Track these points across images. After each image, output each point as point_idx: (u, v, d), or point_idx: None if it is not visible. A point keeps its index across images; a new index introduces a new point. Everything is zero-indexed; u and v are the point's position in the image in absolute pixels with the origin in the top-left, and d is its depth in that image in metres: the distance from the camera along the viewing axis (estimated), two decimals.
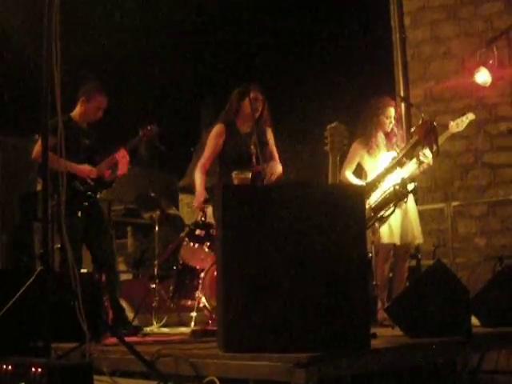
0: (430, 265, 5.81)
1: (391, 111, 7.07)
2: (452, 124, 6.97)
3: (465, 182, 9.12)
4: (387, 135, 7.09)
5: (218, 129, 6.60)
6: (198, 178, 6.61)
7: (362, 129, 7.10)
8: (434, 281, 4.94)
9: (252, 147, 6.39)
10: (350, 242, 4.09)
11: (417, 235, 7.02)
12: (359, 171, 7.15)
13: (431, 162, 6.78)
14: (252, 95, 6.50)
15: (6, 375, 3.22)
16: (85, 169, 6.46)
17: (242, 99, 6.54)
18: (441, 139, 6.87)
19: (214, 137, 6.59)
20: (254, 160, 6.32)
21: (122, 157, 6.66)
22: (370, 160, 7.00)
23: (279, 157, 6.75)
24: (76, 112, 6.68)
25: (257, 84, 6.64)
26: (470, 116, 7.03)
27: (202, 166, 6.61)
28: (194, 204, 6.65)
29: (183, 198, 17.32)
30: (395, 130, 7.17)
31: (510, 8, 8.88)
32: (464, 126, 7.00)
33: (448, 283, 4.97)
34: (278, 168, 6.64)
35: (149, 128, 6.90)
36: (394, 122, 7.11)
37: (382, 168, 6.81)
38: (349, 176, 7.01)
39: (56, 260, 5.87)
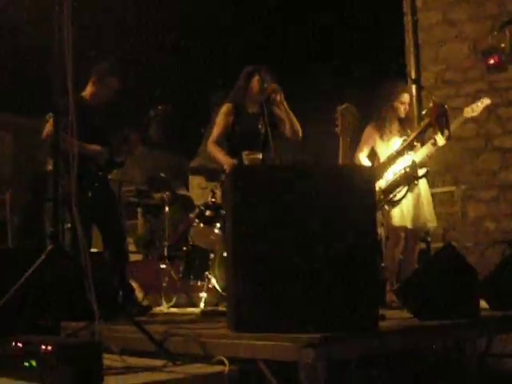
0: (439, 248, 5.81)
1: (406, 97, 7.05)
2: (467, 109, 6.94)
3: (475, 165, 9.11)
4: (401, 121, 7.07)
5: (226, 108, 6.58)
6: (215, 150, 6.51)
7: (375, 113, 7.09)
8: (444, 264, 4.94)
9: (260, 127, 6.38)
10: (360, 224, 4.09)
11: (430, 218, 6.99)
12: (372, 156, 7.14)
13: (441, 144, 6.76)
14: (260, 76, 6.48)
15: (17, 353, 3.24)
16: (96, 149, 6.46)
17: (249, 79, 6.54)
18: (455, 124, 6.84)
19: (223, 115, 6.57)
20: (262, 140, 6.32)
21: (134, 137, 6.67)
22: (383, 145, 6.99)
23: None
24: (87, 92, 6.67)
25: (265, 65, 6.61)
26: (486, 101, 6.98)
27: (213, 142, 6.56)
28: (227, 167, 6.35)
29: (193, 179, 17.36)
30: (409, 115, 7.16)
31: None
32: (479, 110, 6.95)
33: (457, 266, 4.97)
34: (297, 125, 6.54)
35: (160, 108, 6.88)
36: (407, 108, 7.10)
37: (392, 151, 6.81)
38: (362, 159, 7.00)
39: (66, 240, 5.89)
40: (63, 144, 4.28)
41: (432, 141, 6.73)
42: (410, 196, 6.72)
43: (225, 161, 6.37)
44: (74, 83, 4.19)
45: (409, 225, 6.82)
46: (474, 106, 6.93)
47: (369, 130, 7.06)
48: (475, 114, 6.94)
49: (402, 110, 7.04)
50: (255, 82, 6.49)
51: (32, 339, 3.28)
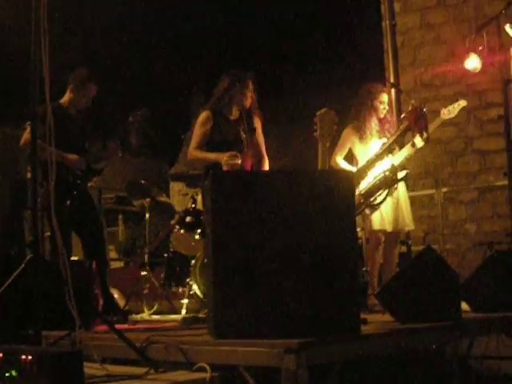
0: (420, 251, 5.82)
1: (385, 97, 7.08)
2: (444, 111, 6.98)
3: (455, 168, 9.14)
4: (380, 121, 7.09)
5: (204, 116, 6.50)
6: (200, 154, 6.43)
7: (354, 114, 7.10)
8: (424, 267, 4.95)
9: (241, 133, 6.36)
10: (340, 228, 4.09)
11: (408, 222, 7.04)
12: (349, 157, 7.14)
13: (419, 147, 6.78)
14: (242, 82, 6.45)
15: None
16: (73, 158, 6.44)
17: (232, 86, 6.48)
18: (433, 126, 6.89)
19: (200, 124, 6.49)
20: (243, 146, 6.30)
21: (113, 146, 6.66)
22: (362, 146, 7.00)
23: (266, 147, 6.69)
24: (65, 99, 6.66)
25: (248, 71, 6.59)
26: (462, 103, 7.03)
27: (194, 149, 6.48)
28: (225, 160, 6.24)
29: (174, 186, 17.32)
30: (388, 116, 7.18)
31: None
32: (456, 112, 7.00)
33: (438, 269, 4.98)
34: (265, 166, 6.59)
35: (138, 113, 6.87)
36: (387, 107, 7.12)
37: (371, 154, 6.82)
38: (339, 161, 7.01)
39: (46, 248, 5.87)
40: (41, 152, 4.26)
41: (411, 143, 6.76)
42: (389, 199, 6.74)
43: (216, 157, 6.29)
44: (50, 91, 4.18)
45: (388, 228, 6.84)
46: (450, 107, 6.98)
47: (347, 133, 7.06)
48: (452, 115, 6.99)
49: (382, 109, 7.06)
50: (236, 89, 6.44)
51: (12, 349, 3.26)
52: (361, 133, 7.00)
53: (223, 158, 6.18)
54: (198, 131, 6.49)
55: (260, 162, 6.50)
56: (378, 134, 7.03)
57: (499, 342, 5.71)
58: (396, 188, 6.81)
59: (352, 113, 7.14)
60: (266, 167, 6.56)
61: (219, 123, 6.45)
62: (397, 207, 6.90)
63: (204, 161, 6.42)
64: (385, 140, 6.93)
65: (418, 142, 6.70)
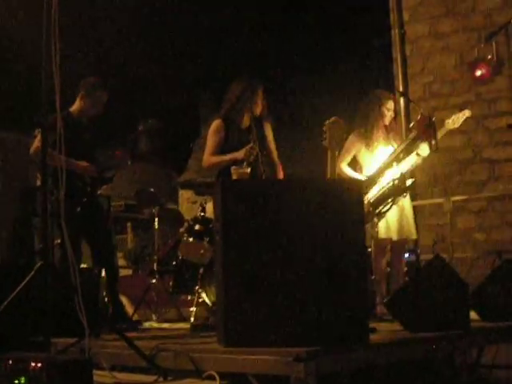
0: (428, 260, 5.82)
1: (391, 104, 7.07)
2: (448, 121, 6.96)
3: (464, 177, 9.12)
4: (385, 128, 7.07)
5: (216, 124, 6.51)
6: (216, 158, 6.43)
7: (360, 120, 7.08)
8: (433, 275, 4.95)
9: (252, 142, 6.35)
10: (349, 237, 4.10)
11: (412, 231, 7.02)
12: (354, 164, 7.13)
13: (425, 155, 6.77)
14: (253, 90, 6.45)
15: (6, 370, 3.23)
16: (83, 165, 6.45)
17: (243, 94, 6.46)
18: (438, 135, 6.87)
19: (213, 133, 6.50)
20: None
21: (122, 152, 6.66)
22: (367, 153, 6.97)
23: (278, 154, 6.70)
24: (75, 107, 6.67)
25: (258, 79, 6.59)
26: (467, 113, 7.01)
27: (209, 155, 6.49)
28: (246, 156, 6.19)
29: (183, 194, 17.33)
30: (392, 124, 7.17)
31: (509, 3, 8.88)
32: (460, 122, 6.97)
33: (447, 278, 4.98)
34: (280, 175, 6.59)
35: (147, 122, 6.88)
36: (393, 115, 7.12)
37: (378, 163, 6.81)
38: (345, 168, 6.98)
39: (56, 256, 5.88)
40: (51, 160, 4.27)
41: (416, 152, 6.75)
42: (394, 208, 6.72)
43: (232, 156, 6.29)
44: (61, 99, 4.20)
45: (394, 236, 6.83)
46: (454, 117, 6.94)
47: (352, 139, 7.03)
48: (456, 125, 6.96)
49: (388, 116, 7.05)
50: (257, 96, 6.43)
51: (22, 356, 3.27)
52: (367, 140, 6.98)
53: (241, 153, 6.20)
54: (211, 140, 6.49)
55: (273, 169, 6.49)
56: (384, 141, 7.02)
57: (508, 351, 5.70)
58: (404, 196, 6.80)
59: (358, 119, 7.12)
60: (281, 173, 6.56)
61: (231, 132, 6.45)
62: (402, 215, 6.88)
63: (220, 164, 6.41)
64: (390, 147, 6.92)
65: (424, 151, 6.69)
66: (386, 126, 7.07)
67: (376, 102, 7.02)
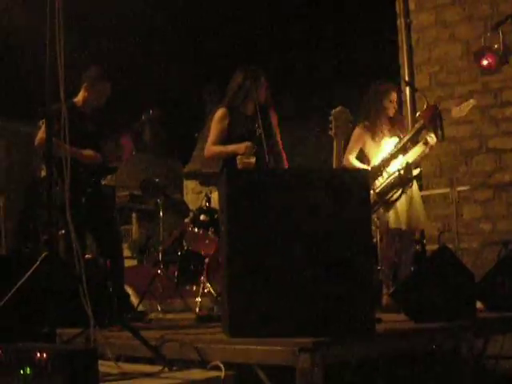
0: (435, 250, 5.81)
1: (394, 96, 7.06)
2: (455, 109, 6.95)
3: (470, 167, 9.11)
4: (390, 120, 7.06)
5: (220, 113, 6.49)
6: (218, 148, 6.41)
7: (365, 113, 7.08)
8: (439, 266, 4.94)
9: (257, 129, 6.33)
10: (355, 227, 4.08)
11: (422, 220, 7.02)
12: (361, 156, 7.12)
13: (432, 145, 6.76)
14: (256, 78, 6.43)
15: (11, 360, 3.22)
16: (88, 154, 6.44)
17: (245, 82, 6.44)
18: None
19: (217, 121, 6.48)
20: (260, 142, 6.25)
21: (126, 142, 6.64)
22: (373, 145, 6.97)
23: (282, 143, 6.67)
24: (79, 98, 6.66)
25: (260, 68, 6.57)
26: (472, 101, 6.99)
27: (211, 145, 6.47)
28: (244, 152, 6.19)
29: (188, 184, 17.35)
30: (397, 115, 7.16)
31: None
32: (466, 111, 6.97)
33: (453, 268, 4.97)
34: (284, 162, 6.57)
35: (151, 112, 6.86)
36: (396, 106, 7.10)
37: (385, 153, 6.80)
38: (352, 160, 6.98)
39: (61, 246, 5.88)
40: (56, 150, 4.26)
41: (424, 141, 6.73)
42: (403, 198, 6.71)
43: (234, 148, 6.29)
44: (65, 89, 4.19)
45: (403, 226, 6.82)
46: (460, 106, 6.94)
47: (358, 131, 7.03)
48: (463, 114, 6.95)
49: (391, 108, 7.04)
50: (251, 86, 6.42)
51: (27, 346, 3.26)
52: (372, 132, 6.98)
53: (241, 148, 6.18)
54: (214, 128, 6.47)
55: (277, 158, 6.47)
56: (389, 132, 7.01)
57: None
58: (411, 186, 6.79)
59: (361, 112, 7.11)
60: (284, 163, 6.55)
61: (235, 120, 6.43)
62: (411, 205, 6.87)
63: (222, 155, 6.40)
64: (395, 139, 6.91)
65: (431, 139, 6.68)
66: (390, 118, 7.05)
67: (377, 96, 7.01)
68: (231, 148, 6.30)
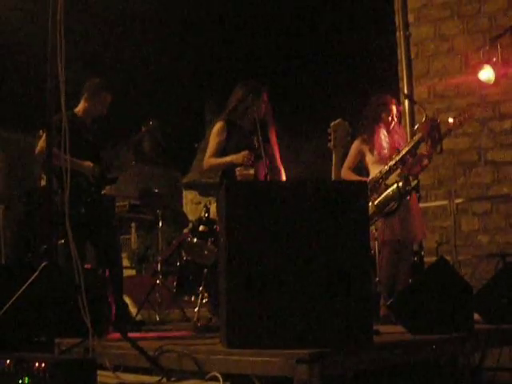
0: (432, 262, 5.82)
1: (393, 108, 7.08)
2: (451, 122, 6.97)
3: (468, 179, 9.12)
4: (389, 133, 7.08)
5: (219, 126, 6.50)
6: (216, 160, 6.43)
7: (363, 126, 7.10)
8: (437, 278, 4.95)
9: (255, 143, 6.35)
10: (353, 239, 4.10)
11: (420, 232, 7.03)
12: (361, 168, 7.14)
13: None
14: (257, 93, 6.44)
15: (9, 370, 3.23)
16: (88, 165, 6.46)
17: (246, 96, 6.46)
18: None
19: (216, 134, 6.50)
20: (258, 156, 6.28)
21: (127, 155, 6.67)
22: (372, 158, 6.99)
23: (280, 157, 6.69)
24: (80, 108, 6.68)
25: (262, 83, 6.59)
26: (471, 114, 7.02)
27: (210, 157, 6.49)
28: (244, 161, 6.21)
29: (187, 195, 17.37)
30: (396, 127, 7.18)
31: None
32: (464, 124, 6.99)
33: (451, 280, 4.98)
34: (282, 177, 6.59)
35: (151, 123, 6.88)
36: (395, 119, 7.12)
37: (384, 165, 6.82)
38: (349, 174, 7.00)
39: (60, 256, 5.88)
40: (56, 160, 4.28)
41: (422, 153, 6.76)
42: (401, 209, 6.73)
43: (232, 159, 6.31)
44: (66, 99, 4.21)
45: (401, 238, 6.83)
46: (458, 118, 6.96)
47: (356, 144, 7.06)
48: (460, 127, 6.98)
49: (390, 121, 7.05)
50: (261, 101, 6.44)
51: (25, 356, 3.27)
52: (370, 145, 7.00)
53: (239, 157, 6.21)
54: (213, 141, 6.49)
55: (275, 173, 6.48)
56: (388, 145, 7.02)
57: None
58: (409, 198, 6.81)
59: (360, 125, 7.13)
60: (282, 178, 6.56)
61: (234, 133, 6.45)
62: (409, 217, 6.88)
63: (220, 166, 6.42)
64: (397, 152, 6.92)
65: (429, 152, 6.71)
66: (389, 131, 7.07)
67: (376, 108, 7.04)
68: (230, 158, 6.32)
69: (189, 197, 17.36)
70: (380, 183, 6.70)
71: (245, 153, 6.21)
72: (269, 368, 3.76)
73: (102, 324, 4.71)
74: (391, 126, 7.06)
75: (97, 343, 4.17)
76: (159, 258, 8.24)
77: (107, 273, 6.24)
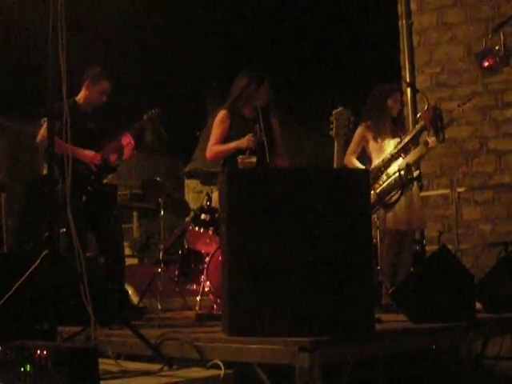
0: (434, 250, 5.81)
1: (398, 96, 7.07)
2: (455, 110, 6.96)
3: (470, 168, 9.11)
4: (393, 120, 7.07)
5: (221, 115, 6.51)
6: (219, 147, 6.45)
7: (368, 113, 7.09)
8: (439, 266, 4.95)
9: (258, 132, 6.35)
10: (355, 227, 4.09)
11: (421, 222, 7.04)
12: (363, 156, 7.13)
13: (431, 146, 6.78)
14: (259, 82, 6.44)
15: (12, 358, 3.24)
16: (89, 154, 6.45)
17: (248, 85, 6.46)
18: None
19: (218, 123, 6.50)
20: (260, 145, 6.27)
21: (128, 142, 6.65)
22: (376, 146, 6.98)
23: (283, 145, 6.69)
24: (81, 96, 6.67)
25: (263, 72, 6.58)
26: (473, 102, 7.01)
27: (213, 145, 6.51)
28: (249, 144, 6.25)
29: (189, 183, 17.37)
30: (401, 115, 7.17)
31: None
32: (467, 112, 6.98)
33: (452, 269, 4.98)
34: (285, 165, 6.59)
35: (153, 111, 6.87)
36: (400, 107, 7.11)
37: (386, 153, 6.81)
38: (353, 161, 6.99)
39: (62, 244, 5.88)
40: (57, 148, 4.28)
41: (424, 142, 6.75)
42: (403, 198, 6.72)
43: (240, 143, 6.32)
44: (67, 87, 4.20)
45: (402, 227, 6.84)
46: (461, 107, 6.96)
47: (360, 131, 7.05)
48: (463, 115, 6.98)
49: (395, 108, 7.05)
50: (264, 90, 6.44)
51: (27, 344, 3.27)
52: (374, 132, 6.99)
53: (243, 142, 6.22)
54: (215, 130, 6.50)
55: (277, 161, 6.49)
56: (392, 133, 7.02)
57: None
58: (411, 187, 6.80)
59: (365, 112, 7.12)
60: (285, 165, 6.56)
61: (236, 122, 6.45)
62: (410, 206, 6.88)
63: (225, 153, 6.43)
64: (398, 139, 6.92)
65: (432, 141, 6.70)
66: (393, 118, 7.07)
67: (380, 96, 7.03)
68: (234, 143, 6.33)
69: (191, 185, 17.36)
70: (382, 172, 6.70)
71: (249, 136, 6.23)
72: (270, 356, 3.77)
73: (104, 312, 4.70)
74: (396, 114, 7.06)
75: (99, 331, 4.18)
76: (161, 247, 8.23)
77: (109, 261, 6.25)
